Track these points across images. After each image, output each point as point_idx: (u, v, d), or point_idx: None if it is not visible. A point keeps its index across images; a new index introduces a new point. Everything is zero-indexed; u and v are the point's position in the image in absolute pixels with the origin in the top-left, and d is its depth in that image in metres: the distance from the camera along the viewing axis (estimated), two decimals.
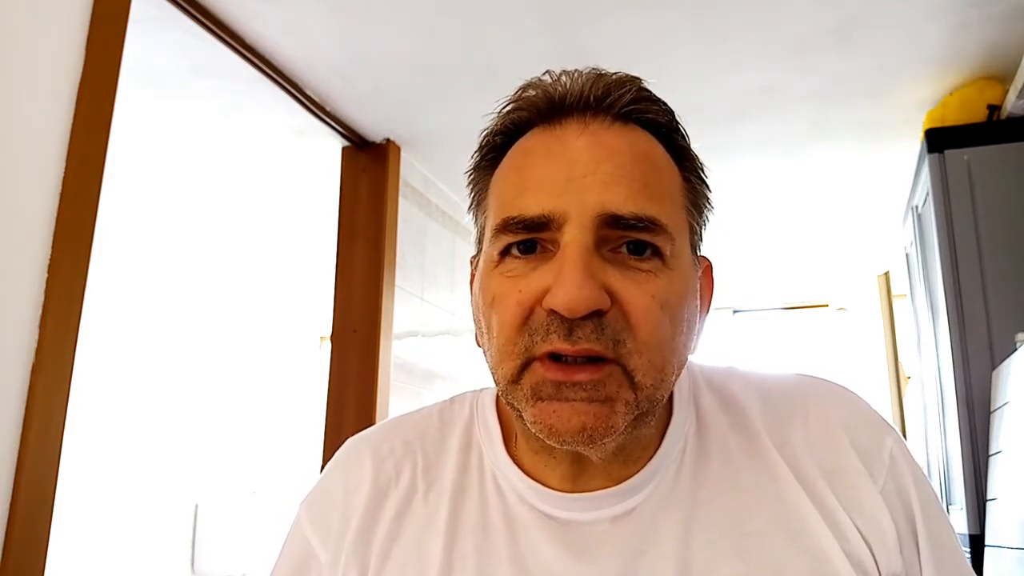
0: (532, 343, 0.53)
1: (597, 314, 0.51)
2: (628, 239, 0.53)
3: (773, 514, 0.58)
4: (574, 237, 0.52)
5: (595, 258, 0.52)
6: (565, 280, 0.51)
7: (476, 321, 0.60)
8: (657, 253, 0.54)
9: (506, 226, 0.55)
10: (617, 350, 0.52)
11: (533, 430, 0.54)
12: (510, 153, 0.60)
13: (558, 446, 0.54)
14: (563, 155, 0.55)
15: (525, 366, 0.53)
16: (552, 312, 0.52)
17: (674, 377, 0.56)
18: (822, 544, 0.56)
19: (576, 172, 0.54)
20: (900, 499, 0.59)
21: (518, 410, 0.55)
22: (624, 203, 0.53)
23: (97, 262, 1.38)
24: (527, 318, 0.53)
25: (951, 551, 0.59)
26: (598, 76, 0.58)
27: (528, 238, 0.54)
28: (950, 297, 1.92)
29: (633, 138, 0.56)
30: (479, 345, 0.61)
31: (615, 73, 0.58)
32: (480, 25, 1.87)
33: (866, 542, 0.57)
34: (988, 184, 1.95)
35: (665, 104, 0.59)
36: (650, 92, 0.59)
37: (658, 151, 0.58)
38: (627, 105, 0.57)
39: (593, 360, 0.52)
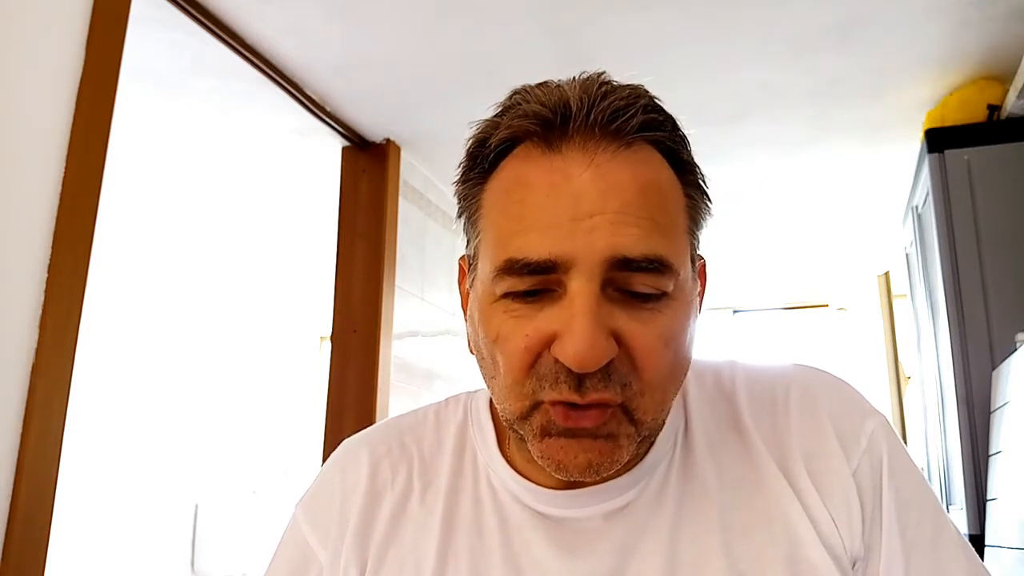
0: (540, 387, 0.53)
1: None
2: (635, 286, 0.52)
3: (755, 506, 0.58)
4: (582, 286, 0.50)
5: (603, 303, 0.51)
6: (576, 336, 0.49)
7: (474, 344, 0.59)
8: (663, 291, 0.53)
9: (510, 269, 0.52)
10: (624, 393, 0.52)
11: (539, 463, 0.55)
12: (505, 172, 0.56)
13: (563, 478, 0.54)
14: (567, 191, 0.51)
15: (534, 407, 0.54)
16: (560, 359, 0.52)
17: (673, 400, 0.57)
18: (797, 529, 0.57)
19: (582, 211, 0.51)
20: (871, 480, 0.59)
21: (523, 438, 0.56)
22: (634, 246, 0.51)
23: (97, 262, 1.38)
24: (534, 362, 0.53)
25: (922, 523, 0.58)
26: (602, 94, 0.53)
27: (533, 285, 0.52)
28: (950, 297, 1.92)
29: (639, 166, 0.53)
30: (472, 352, 0.60)
31: (618, 88, 0.55)
32: (480, 25, 1.87)
33: (836, 525, 0.57)
34: (988, 184, 1.95)
35: (669, 116, 0.57)
36: (656, 106, 0.56)
37: (663, 174, 0.55)
38: (634, 130, 0.53)
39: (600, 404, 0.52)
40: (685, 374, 0.57)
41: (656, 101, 0.56)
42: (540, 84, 0.56)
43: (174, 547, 3.76)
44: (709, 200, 0.59)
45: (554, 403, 0.52)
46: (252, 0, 1.76)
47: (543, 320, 0.52)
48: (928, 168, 2.03)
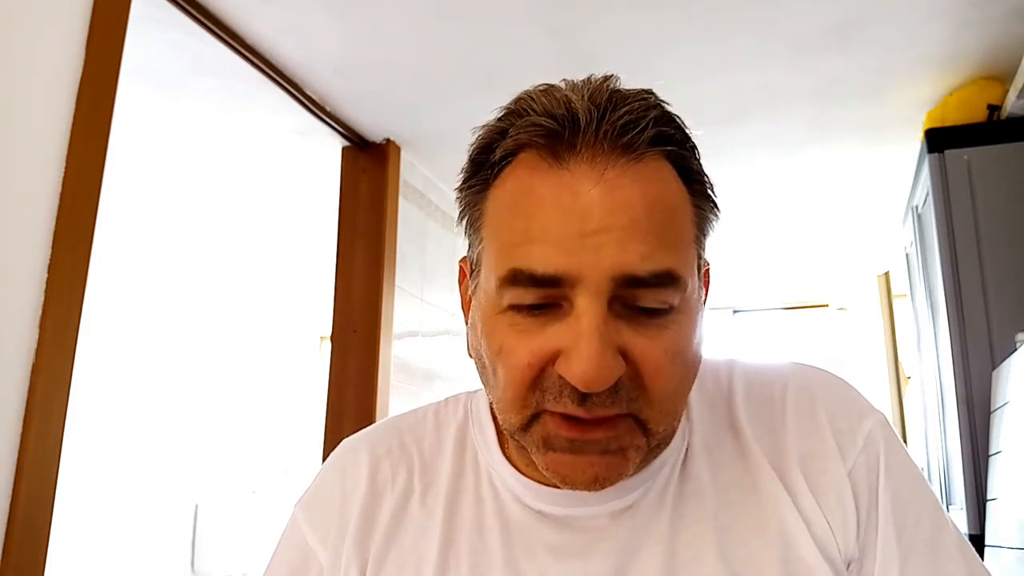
0: (543, 400, 0.52)
1: None
2: (642, 302, 0.51)
3: (750, 508, 0.58)
4: (589, 304, 0.50)
5: (609, 320, 0.50)
6: (583, 356, 0.48)
7: (475, 351, 0.58)
8: (670, 305, 0.52)
9: (515, 279, 0.51)
10: (631, 406, 0.51)
11: (544, 473, 0.54)
12: (510, 182, 0.54)
13: (568, 489, 0.54)
14: (575, 207, 0.50)
15: (535, 417, 0.53)
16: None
17: (684, 408, 0.56)
18: (792, 531, 0.57)
19: (589, 227, 0.50)
20: (867, 480, 0.58)
21: (524, 446, 0.55)
22: (640, 263, 0.50)
23: (97, 262, 1.38)
24: (537, 377, 0.52)
25: (920, 523, 0.58)
26: (612, 105, 0.52)
27: (538, 299, 0.51)
28: (950, 297, 1.92)
29: (648, 181, 0.52)
30: (471, 356, 0.60)
31: (628, 97, 0.53)
32: (480, 25, 1.87)
33: (830, 526, 0.57)
34: (988, 184, 1.95)
35: (680, 127, 0.55)
36: (667, 116, 0.54)
37: (671, 187, 0.54)
38: (644, 144, 0.52)
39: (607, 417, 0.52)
40: (694, 380, 0.57)
41: (667, 109, 0.55)
42: (545, 90, 0.54)
43: (174, 547, 3.75)
44: (717, 208, 0.58)
45: (555, 414, 0.52)
46: (252, 0, 1.76)
47: (548, 336, 0.51)
48: (928, 168, 2.03)
